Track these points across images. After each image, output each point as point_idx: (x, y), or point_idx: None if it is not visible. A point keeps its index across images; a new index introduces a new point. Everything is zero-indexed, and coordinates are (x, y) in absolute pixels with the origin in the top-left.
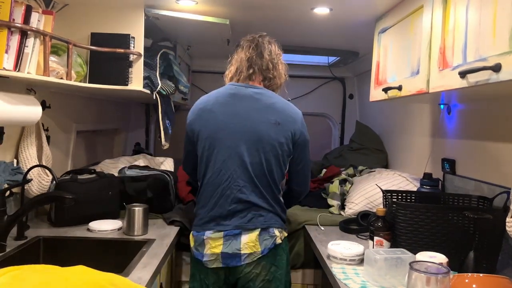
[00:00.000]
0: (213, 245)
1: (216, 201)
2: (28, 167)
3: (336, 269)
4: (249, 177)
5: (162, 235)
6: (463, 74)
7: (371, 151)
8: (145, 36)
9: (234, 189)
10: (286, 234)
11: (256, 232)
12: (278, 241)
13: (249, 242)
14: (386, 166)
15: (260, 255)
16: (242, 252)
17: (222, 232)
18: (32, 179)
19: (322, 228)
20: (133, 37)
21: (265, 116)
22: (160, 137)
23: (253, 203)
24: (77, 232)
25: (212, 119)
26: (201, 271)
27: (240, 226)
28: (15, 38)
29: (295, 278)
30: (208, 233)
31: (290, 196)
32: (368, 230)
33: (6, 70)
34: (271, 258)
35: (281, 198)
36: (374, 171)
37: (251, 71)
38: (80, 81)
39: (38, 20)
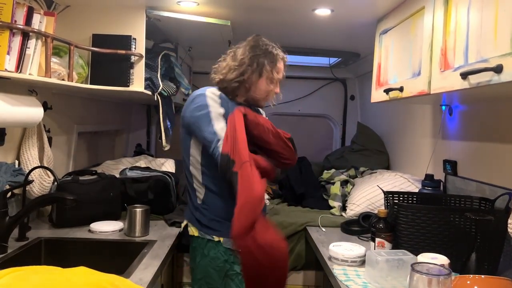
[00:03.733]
0: None
1: None
2: (30, 168)
3: (338, 271)
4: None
5: (163, 237)
6: (464, 75)
7: (372, 152)
8: (147, 38)
9: None
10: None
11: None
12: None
13: None
14: (387, 167)
15: None
16: None
17: None
18: (33, 180)
19: (324, 230)
20: (135, 39)
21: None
22: (161, 138)
23: None
24: (78, 233)
25: None
26: None
27: None
28: (17, 40)
29: (297, 279)
30: None
31: None
32: (370, 231)
33: (8, 71)
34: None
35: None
36: (376, 172)
37: None
38: (82, 82)
39: (39, 22)
